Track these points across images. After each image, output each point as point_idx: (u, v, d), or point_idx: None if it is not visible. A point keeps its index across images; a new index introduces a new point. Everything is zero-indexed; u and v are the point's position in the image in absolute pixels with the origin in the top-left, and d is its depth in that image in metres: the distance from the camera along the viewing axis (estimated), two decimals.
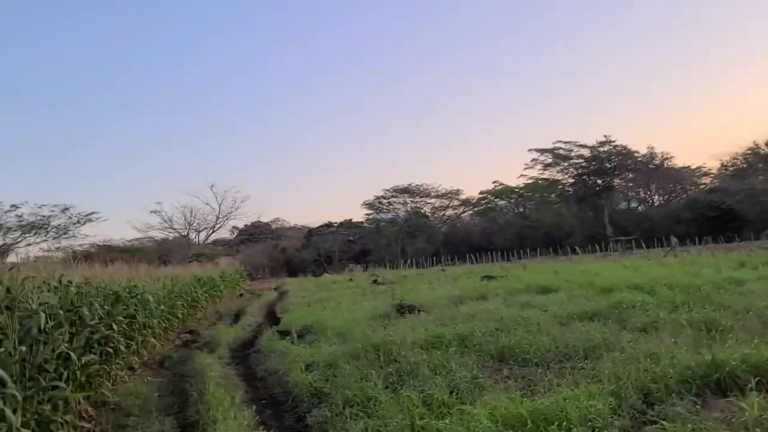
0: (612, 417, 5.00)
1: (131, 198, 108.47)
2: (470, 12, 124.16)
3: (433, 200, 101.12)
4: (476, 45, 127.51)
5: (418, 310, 13.32)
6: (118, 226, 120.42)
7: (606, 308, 10.27)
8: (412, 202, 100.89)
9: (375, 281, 27.38)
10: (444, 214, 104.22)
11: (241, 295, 31.29)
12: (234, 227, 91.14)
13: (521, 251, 70.24)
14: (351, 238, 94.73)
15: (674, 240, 33.76)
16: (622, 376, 5.80)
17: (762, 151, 62.24)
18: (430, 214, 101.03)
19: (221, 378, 8.79)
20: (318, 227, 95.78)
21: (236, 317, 18.48)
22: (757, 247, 29.57)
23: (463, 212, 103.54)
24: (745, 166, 63.84)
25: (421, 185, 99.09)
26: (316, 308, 16.32)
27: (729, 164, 67.03)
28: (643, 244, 55.11)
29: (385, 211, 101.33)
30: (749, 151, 63.43)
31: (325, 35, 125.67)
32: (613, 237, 70.57)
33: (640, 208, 78.96)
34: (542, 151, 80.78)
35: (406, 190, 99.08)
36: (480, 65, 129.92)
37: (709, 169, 74.00)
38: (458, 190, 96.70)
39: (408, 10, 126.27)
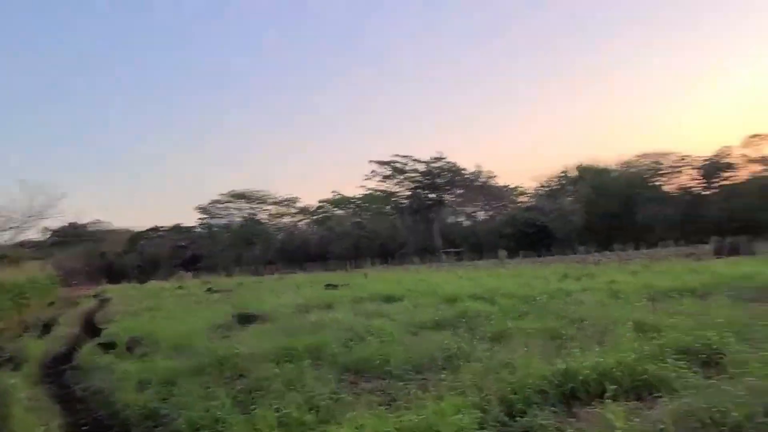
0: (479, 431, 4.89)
1: None
2: (314, 15, 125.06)
3: (270, 207, 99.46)
4: (319, 52, 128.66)
5: (262, 320, 12.62)
6: None
7: (453, 317, 10.44)
8: (248, 207, 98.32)
9: (209, 289, 25.85)
10: (281, 222, 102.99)
11: (52, 303, 27.79)
12: (46, 228, 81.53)
13: (357, 260, 71.48)
14: (181, 244, 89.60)
15: (503, 253, 36.34)
16: (483, 388, 5.75)
17: (570, 175, 69.88)
18: (267, 221, 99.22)
19: (30, 400, 7.44)
20: (144, 231, 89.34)
21: (47, 328, 16.21)
22: (569, 261, 32.68)
23: (301, 221, 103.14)
24: (557, 187, 71.26)
25: (259, 191, 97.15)
26: (145, 318, 14.82)
27: (545, 185, 74.37)
28: (470, 256, 59.03)
29: (219, 216, 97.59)
30: (561, 174, 70.96)
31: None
32: (442, 249, 74.75)
33: (466, 222, 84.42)
34: (381, 163, 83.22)
35: (243, 196, 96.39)
36: (322, 74, 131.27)
37: (527, 189, 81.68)
38: (296, 198, 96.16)
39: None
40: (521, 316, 9.71)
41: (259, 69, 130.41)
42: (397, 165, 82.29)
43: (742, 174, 66.66)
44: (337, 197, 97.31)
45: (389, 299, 14.62)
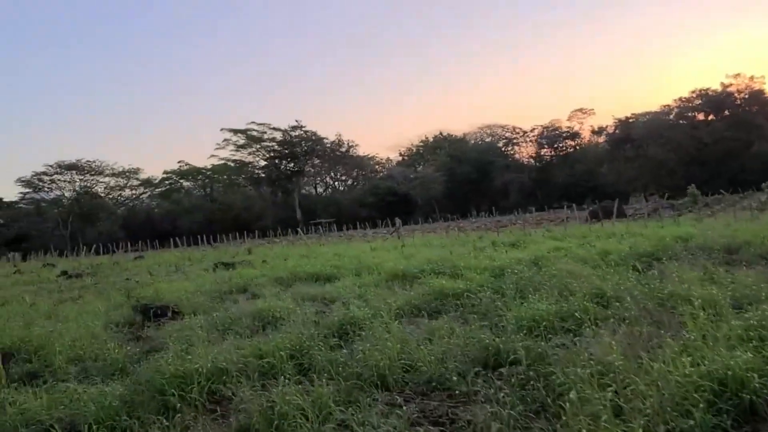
0: None
1: None
2: None
3: (107, 179, 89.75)
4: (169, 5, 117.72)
5: (173, 312, 9.86)
6: None
7: (433, 300, 8.65)
8: (81, 180, 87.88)
9: (64, 273, 21.38)
10: (121, 195, 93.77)
11: None
12: None
13: (211, 236, 66.73)
14: (1, 222, 77.60)
15: (398, 221, 34.45)
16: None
17: (429, 144, 70.90)
18: (104, 195, 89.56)
19: None
20: None
21: None
22: (445, 227, 31.94)
23: (143, 193, 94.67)
24: (417, 156, 71.98)
25: (93, 162, 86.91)
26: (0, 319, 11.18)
27: (404, 155, 74.86)
28: (335, 227, 57.62)
29: (46, 189, 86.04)
30: (420, 143, 71.78)
31: None
32: (312, 221, 72.43)
33: (326, 192, 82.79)
34: (235, 131, 78.34)
35: (75, 167, 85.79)
36: (169, 30, 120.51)
37: (385, 159, 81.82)
38: (138, 169, 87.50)
39: None
40: (531, 292, 8.11)
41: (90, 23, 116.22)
42: (253, 133, 77.96)
43: (580, 142, 72.32)
44: (184, 168, 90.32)
45: (321, 279, 12.43)
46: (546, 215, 41.94)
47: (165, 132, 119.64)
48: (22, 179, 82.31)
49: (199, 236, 65.39)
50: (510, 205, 62.83)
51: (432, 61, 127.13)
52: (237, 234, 66.00)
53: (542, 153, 70.73)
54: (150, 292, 12.05)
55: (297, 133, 76.98)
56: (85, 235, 73.91)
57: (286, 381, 5.21)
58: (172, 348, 6.71)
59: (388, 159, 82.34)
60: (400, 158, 77.44)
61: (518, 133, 71.02)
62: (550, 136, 69.32)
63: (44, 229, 75.40)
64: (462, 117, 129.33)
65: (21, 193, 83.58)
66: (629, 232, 17.93)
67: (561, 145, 69.72)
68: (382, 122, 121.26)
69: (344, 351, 6.29)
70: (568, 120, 71.36)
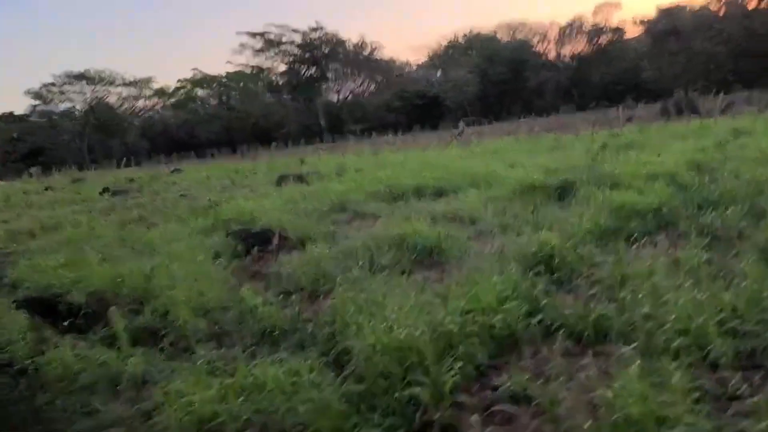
0: None
1: None
2: None
3: (119, 89, 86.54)
4: None
5: (281, 238, 8.05)
6: None
7: (627, 219, 6.72)
8: (92, 91, 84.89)
9: (107, 190, 19.62)
10: (135, 106, 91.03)
11: None
12: None
13: (232, 145, 64.93)
14: (16, 136, 75.60)
15: (462, 124, 31.18)
16: None
17: (460, 44, 66.77)
18: (117, 106, 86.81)
19: None
20: None
21: None
22: (507, 131, 29.23)
23: (157, 104, 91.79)
24: (446, 58, 67.96)
25: (103, 71, 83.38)
26: (64, 252, 9.45)
27: (434, 56, 70.74)
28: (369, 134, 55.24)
29: (57, 101, 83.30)
30: (449, 44, 67.57)
31: None
32: (326, 128, 69.82)
33: (349, 98, 79.24)
34: (252, 35, 74.19)
35: (84, 77, 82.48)
36: None
37: (412, 62, 77.60)
38: (150, 78, 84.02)
39: None
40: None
41: None
42: (271, 37, 73.79)
43: (619, 37, 67.59)
44: (198, 76, 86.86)
45: (427, 194, 10.50)
46: (598, 115, 39.01)
47: (176, 38, 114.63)
48: (31, 91, 79.59)
49: (218, 146, 63.90)
50: (546, 106, 59.70)
51: None
52: (259, 143, 63.99)
53: (578, 50, 66.48)
54: (232, 212, 10.20)
55: (317, 35, 72.78)
56: (104, 147, 72.09)
57: None
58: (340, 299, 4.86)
59: (411, 62, 78.18)
60: (429, 60, 73.25)
61: (552, 29, 66.51)
62: (588, 31, 64.81)
63: (60, 142, 73.55)
64: (489, 14, 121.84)
65: (31, 105, 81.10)
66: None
67: (598, 40, 65.26)
68: (405, 22, 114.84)
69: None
70: (593, 15, 66.63)
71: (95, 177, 32.49)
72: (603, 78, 60.46)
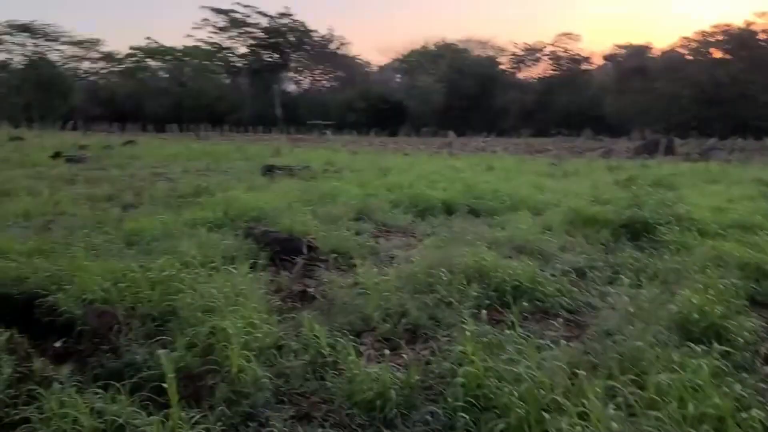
0: None
1: None
2: None
3: (64, 47, 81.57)
4: None
5: (308, 248, 6.59)
6: None
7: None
8: (34, 45, 79.37)
9: (58, 154, 17.05)
10: (78, 68, 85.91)
11: None
12: None
13: (181, 123, 61.92)
14: None
15: (452, 134, 29.03)
16: None
17: (429, 52, 66.04)
18: (59, 64, 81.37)
19: None
20: None
21: None
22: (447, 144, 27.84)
23: (104, 69, 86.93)
24: (416, 64, 67.05)
25: (48, 26, 78.33)
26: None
27: (402, 61, 69.69)
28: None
29: None
30: (421, 49, 66.68)
31: None
32: (282, 119, 67.47)
33: (309, 91, 77.11)
34: (218, 11, 71.01)
35: (27, 29, 77.27)
36: None
37: (376, 63, 76.42)
38: (98, 40, 79.60)
39: None
40: None
41: None
42: (237, 16, 70.80)
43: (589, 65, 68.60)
44: (153, 45, 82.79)
45: (473, 212, 9.13)
46: (566, 142, 38.95)
47: (133, 3, 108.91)
48: None
49: (165, 122, 60.68)
50: (508, 127, 59.87)
51: None
52: (210, 125, 61.15)
53: (545, 74, 66.99)
54: (236, 206, 8.59)
55: (284, 21, 70.40)
56: (43, 106, 67.07)
57: None
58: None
59: (373, 63, 76.94)
60: (395, 63, 72.14)
61: (523, 49, 66.77)
62: (557, 55, 65.43)
63: None
64: (453, 28, 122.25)
65: None
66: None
67: (567, 67, 66.02)
68: (374, 23, 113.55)
69: None
70: (553, 44, 67.43)
71: (36, 138, 29.43)
72: (568, 105, 61.07)
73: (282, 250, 6.46)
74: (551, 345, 4.00)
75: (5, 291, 5.19)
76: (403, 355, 3.96)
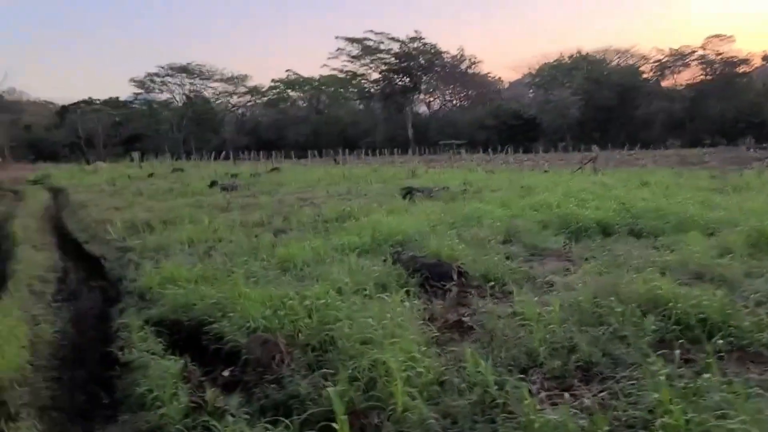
0: None
1: None
2: None
3: (216, 84, 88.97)
4: None
5: (459, 274, 6.34)
6: None
7: None
8: (190, 84, 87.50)
9: (214, 183, 18.67)
10: (229, 102, 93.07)
11: None
12: None
13: (319, 148, 64.88)
14: (118, 120, 78.50)
15: (596, 148, 27.82)
16: None
17: (565, 64, 63.78)
18: (212, 100, 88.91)
19: None
20: (74, 103, 77.33)
21: None
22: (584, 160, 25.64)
23: (250, 101, 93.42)
24: (549, 78, 65.08)
25: (203, 66, 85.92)
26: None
27: (536, 75, 68.01)
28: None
29: (157, 91, 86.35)
30: (555, 63, 64.63)
31: None
32: (413, 140, 68.32)
33: (441, 112, 77.49)
34: (351, 40, 73.82)
35: (185, 70, 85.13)
36: None
37: (506, 80, 75.33)
38: (246, 76, 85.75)
39: None
40: None
41: None
42: (369, 43, 73.14)
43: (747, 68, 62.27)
44: (293, 77, 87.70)
45: (632, 232, 8.40)
46: (729, 153, 35.43)
47: (275, 39, 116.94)
48: (135, 80, 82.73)
49: (304, 149, 64.00)
50: (652, 138, 55.84)
51: None
52: (345, 149, 63.40)
53: (695, 80, 61.86)
54: (381, 229, 8.57)
55: (415, 45, 71.55)
56: (198, 139, 73.63)
57: None
58: None
59: (504, 79, 75.60)
60: (528, 78, 70.55)
61: (669, 55, 62.26)
62: (709, 60, 60.23)
63: (160, 130, 75.74)
64: (593, 39, 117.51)
65: (134, 93, 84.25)
66: None
67: (720, 71, 60.48)
68: (505, 39, 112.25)
69: None
70: (702, 47, 61.72)
71: (193, 168, 32.11)
72: (723, 112, 55.81)
73: (431, 276, 6.25)
74: (764, 392, 3.39)
75: (176, 317, 5.49)
76: (584, 399, 3.54)
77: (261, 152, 61.79)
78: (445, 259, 6.77)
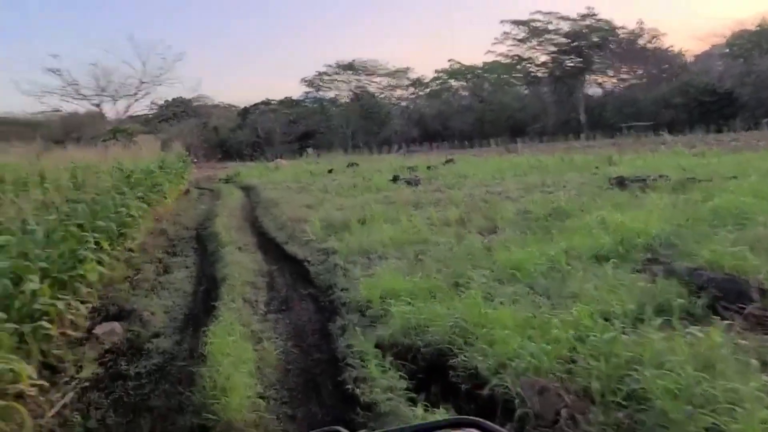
0: None
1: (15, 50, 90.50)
2: None
3: (379, 79, 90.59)
4: None
5: (761, 292, 4.84)
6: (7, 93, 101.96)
7: None
8: (356, 80, 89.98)
9: (396, 178, 18.28)
10: (393, 96, 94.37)
11: (187, 191, 21.64)
12: (153, 103, 77.51)
13: (483, 137, 63.46)
14: (292, 118, 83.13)
15: None
16: None
17: (763, 29, 55.40)
18: (377, 95, 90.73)
19: None
20: (254, 105, 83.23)
21: (205, 254, 9.38)
22: None
23: (413, 94, 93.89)
24: (748, 46, 56.91)
25: (367, 62, 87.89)
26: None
27: (731, 43, 60.03)
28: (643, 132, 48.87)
29: (326, 89, 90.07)
30: (755, 29, 56.44)
31: None
32: (586, 124, 63.88)
33: (616, 91, 71.48)
34: (517, 23, 70.73)
35: (351, 67, 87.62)
36: None
37: (691, 53, 67.45)
38: (408, 69, 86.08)
39: None
40: None
41: None
42: (537, 24, 69.48)
43: None
44: (455, 66, 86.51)
45: None
46: None
47: (435, 28, 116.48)
48: (306, 79, 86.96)
49: (470, 138, 62.94)
50: None
51: None
52: (512, 136, 61.00)
53: None
54: (618, 231, 7.16)
55: (587, 23, 66.64)
56: (365, 133, 75.71)
57: None
58: None
59: (688, 52, 67.56)
60: (719, 50, 62.48)
61: None
62: None
63: (330, 126, 78.96)
64: None
65: (305, 92, 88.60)
66: None
67: None
68: (689, 7, 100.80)
69: None
70: None
71: (365, 162, 32.38)
72: None
73: (723, 296, 4.80)
74: None
75: (410, 342, 4.65)
76: None
77: (431, 143, 61.90)
78: (730, 271, 5.25)
